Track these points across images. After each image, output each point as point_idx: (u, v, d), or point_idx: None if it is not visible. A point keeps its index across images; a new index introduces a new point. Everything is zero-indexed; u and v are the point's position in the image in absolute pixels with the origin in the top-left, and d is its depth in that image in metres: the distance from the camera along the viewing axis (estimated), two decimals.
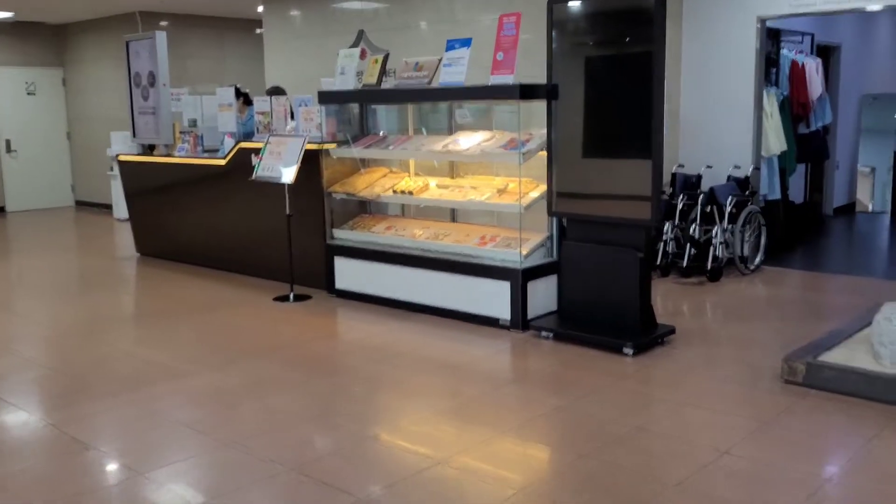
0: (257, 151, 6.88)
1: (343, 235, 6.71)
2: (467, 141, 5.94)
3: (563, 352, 5.15)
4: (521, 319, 5.58)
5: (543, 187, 5.67)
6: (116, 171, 9.81)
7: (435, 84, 5.89)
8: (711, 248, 7.01)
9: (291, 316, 6.24)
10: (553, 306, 5.82)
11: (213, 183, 7.77)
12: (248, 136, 7.63)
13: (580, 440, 3.79)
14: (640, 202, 5.08)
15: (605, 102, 5.19)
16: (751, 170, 7.49)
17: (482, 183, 6.07)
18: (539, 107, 5.58)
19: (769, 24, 7.65)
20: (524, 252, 5.60)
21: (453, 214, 6.55)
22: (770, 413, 4.07)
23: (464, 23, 8.43)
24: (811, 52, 9.11)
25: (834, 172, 10.75)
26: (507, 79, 5.45)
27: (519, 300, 5.57)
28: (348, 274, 6.60)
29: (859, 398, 4.18)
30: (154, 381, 4.76)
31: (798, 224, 9.34)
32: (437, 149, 5.97)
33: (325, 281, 6.80)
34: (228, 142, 7.65)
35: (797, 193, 9.98)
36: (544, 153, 5.59)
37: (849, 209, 11.34)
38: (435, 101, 6.16)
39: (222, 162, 7.54)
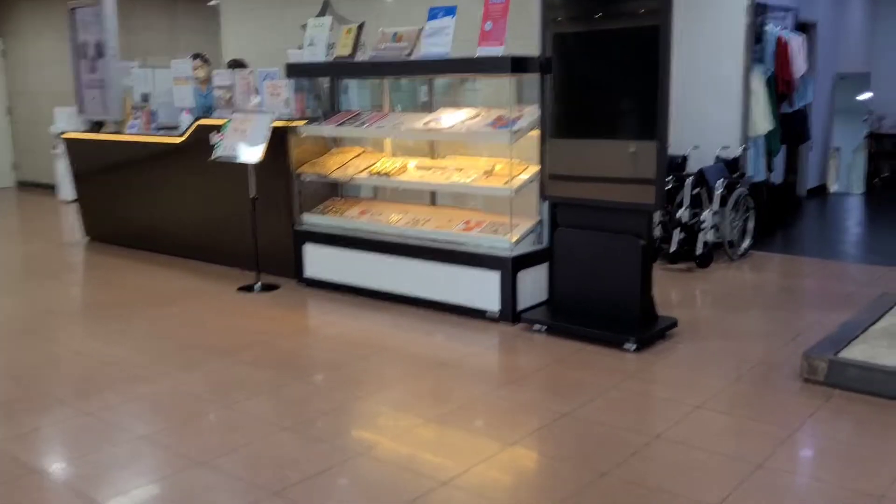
0: (218, 129, 6.33)
1: (313, 220, 6.22)
2: (450, 118, 5.49)
3: (558, 347, 4.76)
4: (510, 311, 5.18)
5: (534, 169, 5.26)
6: (61, 149, 9.13)
7: (416, 56, 5.42)
8: (701, 233, 6.68)
9: (259, 308, 5.74)
10: (543, 296, 5.43)
11: (170, 163, 7.19)
12: (207, 111, 7.07)
13: (596, 454, 3.39)
14: (643, 185, 4.69)
15: (606, 78, 4.77)
16: (740, 150, 7.17)
17: (466, 164, 5.63)
18: (526, 82, 5.16)
19: None
20: (514, 239, 5.18)
21: (433, 198, 6.10)
22: (796, 417, 3.73)
23: None
24: (793, 29, 8.82)
25: (808, 153, 10.54)
26: (496, 50, 5.00)
27: (509, 291, 5.16)
28: (319, 261, 6.12)
29: (885, 398, 3.86)
30: (108, 385, 4.25)
31: (777, 206, 9.09)
32: (417, 127, 5.50)
33: (294, 269, 6.31)
34: (186, 118, 7.07)
35: (776, 175, 9.73)
36: (536, 132, 5.17)
37: (821, 191, 11.17)
38: (416, 74, 5.69)
39: (179, 140, 6.97)
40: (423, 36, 5.36)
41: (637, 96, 4.66)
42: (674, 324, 4.95)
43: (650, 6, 4.53)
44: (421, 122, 5.55)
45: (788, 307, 5.67)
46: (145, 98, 7.67)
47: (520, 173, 5.27)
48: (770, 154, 8.09)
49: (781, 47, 8.18)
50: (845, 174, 11.31)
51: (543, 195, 5.13)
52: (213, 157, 6.15)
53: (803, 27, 9.27)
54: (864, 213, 10.03)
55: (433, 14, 5.33)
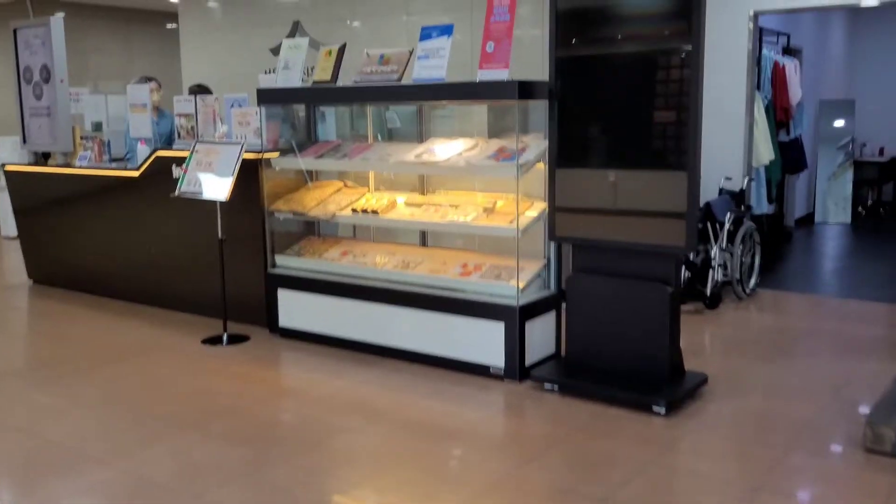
0: (180, 162, 5.67)
1: (288, 263, 5.57)
2: (445, 150, 4.90)
3: (576, 411, 4.17)
4: (517, 367, 4.58)
5: (540, 205, 4.70)
6: (2, 182, 8.33)
7: (407, 80, 4.84)
8: (710, 271, 6.18)
9: (228, 364, 5.06)
10: (551, 349, 4.85)
11: (125, 198, 6.49)
12: (163, 141, 6.41)
13: None
14: (671, 224, 4.16)
15: (627, 103, 4.24)
16: (745, 181, 6.71)
17: (462, 200, 5.04)
18: (526, 109, 4.64)
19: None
20: (521, 285, 4.59)
21: (424, 237, 5.49)
22: (872, 500, 3.18)
23: (420, 15, 7.38)
24: (785, 55, 8.46)
25: (795, 182, 10.18)
26: (499, 74, 4.44)
27: (515, 344, 4.56)
28: (295, 309, 5.47)
29: None
30: (49, 472, 3.54)
31: (770, 239, 8.67)
32: (409, 159, 4.90)
33: (267, 317, 5.64)
34: (142, 149, 6.40)
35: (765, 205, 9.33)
36: (542, 165, 4.63)
37: (808, 220, 10.82)
38: (409, 100, 5.09)
39: (136, 174, 6.28)
40: (415, 58, 4.79)
41: (664, 122, 4.13)
42: (704, 380, 4.40)
43: (677, 27, 4.02)
44: (412, 153, 4.96)
45: (818, 354, 5.15)
46: (97, 127, 6.96)
47: (525, 210, 4.70)
48: (769, 185, 7.67)
49: (779, 73, 7.80)
50: (821, 202, 10.96)
51: (552, 235, 4.56)
52: (175, 193, 5.48)
53: (790, 52, 8.92)
54: (856, 245, 9.66)
55: (426, 34, 4.76)
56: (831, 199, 10.68)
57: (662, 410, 4.07)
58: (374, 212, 5.10)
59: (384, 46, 5.19)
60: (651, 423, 4.01)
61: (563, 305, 4.69)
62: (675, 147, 4.12)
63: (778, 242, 8.89)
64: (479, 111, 5.56)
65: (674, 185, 4.12)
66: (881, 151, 11.75)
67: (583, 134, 4.42)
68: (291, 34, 7.87)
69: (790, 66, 8.06)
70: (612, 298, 4.37)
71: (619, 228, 4.33)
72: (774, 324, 5.97)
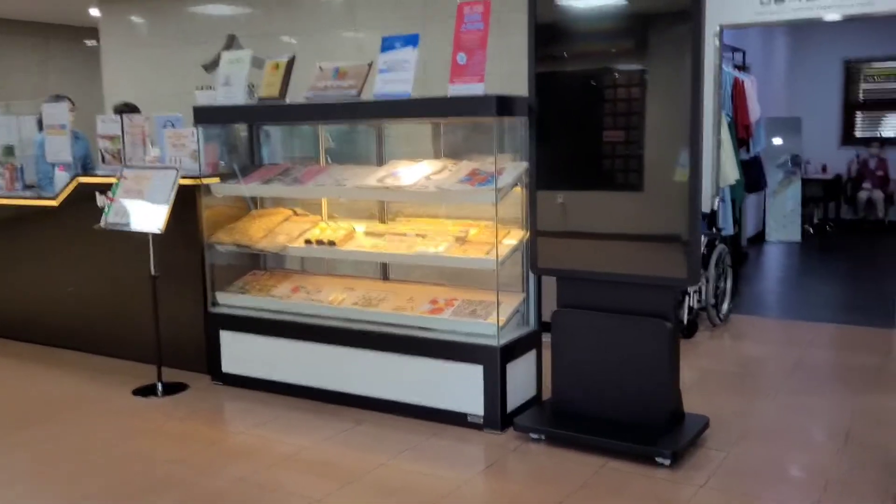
0: (104, 189, 5.03)
1: (231, 301, 4.97)
2: (410, 173, 4.40)
3: (569, 465, 3.70)
4: (498, 415, 4.09)
5: (518, 233, 4.24)
6: None
7: (367, 96, 4.33)
8: (686, 297, 5.82)
9: (165, 421, 4.42)
10: (532, 391, 4.38)
11: (43, 230, 5.78)
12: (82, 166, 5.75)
13: None
14: (670, 252, 3.76)
15: (617, 120, 3.82)
16: (716, 202, 6.40)
17: (430, 229, 4.55)
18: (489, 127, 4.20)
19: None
20: (501, 323, 4.11)
21: (385, 270, 4.96)
22: None
23: (369, 31, 6.89)
24: (741, 70, 8.25)
25: (745, 201, 10.01)
26: (474, 88, 3.97)
27: (496, 389, 4.07)
28: (240, 353, 4.87)
29: None
30: None
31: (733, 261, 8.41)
32: (369, 183, 4.38)
33: (208, 363, 5.02)
34: (61, 175, 5.71)
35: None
36: (518, 189, 4.18)
37: (758, 239, 10.68)
38: (370, 118, 4.57)
39: (54, 202, 5.59)
40: (375, 72, 4.29)
41: (658, 139, 3.72)
42: (706, 424, 3.98)
43: (676, 33, 3.63)
44: (373, 177, 4.44)
45: (813, 388, 4.81)
46: (9, 151, 6.24)
47: (502, 238, 4.24)
48: (734, 205, 7.39)
49: (738, 89, 7.56)
50: (770, 220, 10.83)
51: (534, 267, 4.10)
52: (100, 225, 4.84)
53: (744, 68, 8.74)
54: (814, 264, 9.50)
55: (388, 45, 4.26)
56: (773, 217, 10.56)
57: (667, 462, 3.63)
58: (332, 243, 4.56)
59: (343, 59, 4.67)
60: (656, 477, 3.56)
61: (545, 343, 4.24)
62: (672, 167, 3.71)
63: (738, 264, 8.65)
64: (425, 131, 5.11)
65: (674, 209, 3.71)
66: (824, 169, 11.76)
67: (567, 154, 3.98)
68: (227, 49, 7.26)
69: (748, 82, 7.85)
70: (604, 336, 3.92)
71: (609, 258, 3.89)
72: (757, 353, 5.63)
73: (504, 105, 3.92)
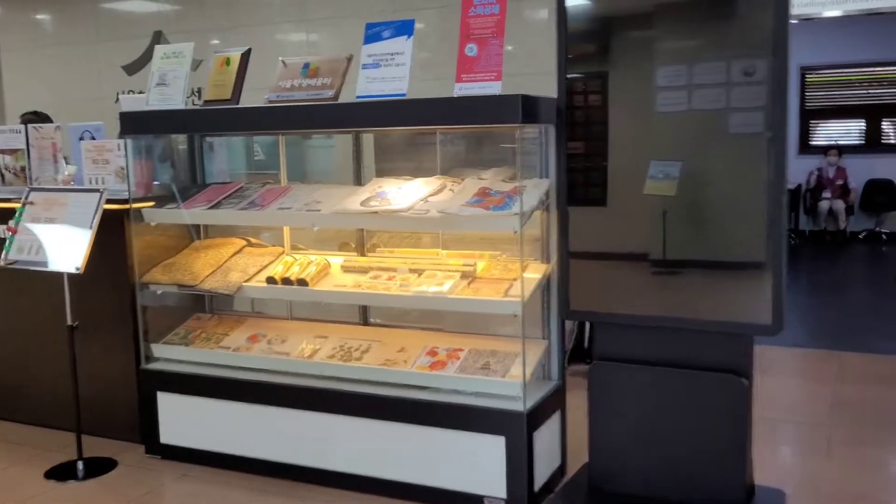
0: (6, 216, 4.00)
1: (170, 354, 3.99)
2: (401, 194, 3.53)
3: None
4: (525, 496, 3.25)
5: (538, 266, 3.43)
6: None
7: (348, 97, 3.45)
8: None
9: None
10: (556, 461, 3.56)
11: None
12: None
13: None
14: (746, 289, 2.99)
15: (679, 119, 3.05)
16: None
17: (425, 262, 3.68)
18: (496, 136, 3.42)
19: None
20: (526, 379, 3.27)
21: (364, 312, 4.06)
22: None
23: (323, 31, 5.97)
24: None
25: None
26: (487, 87, 3.14)
27: (523, 465, 3.23)
28: (183, 420, 3.90)
29: None
30: None
31: None
32: (353, 208, 3.48)
33: (142, 432, 4.03)
34: None
35: None
36: (539, 212, 3.38)
37: None
38: (354, 126, 3.66)
39: None
40: (357, 68, 3.41)
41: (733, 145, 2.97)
42: (782, 499, 3.23)
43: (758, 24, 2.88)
44: (354, 200, 3.55)
45: (868, 436, 4.12)
46: None
47: (518, 273, 3.42)
48: None
49: None
50: None
51: (566, 310, 3.28)
52: (0, 263, 3.82)
53: None
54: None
55: (374, 33, 3.39)
56: None
57: None
58: (302, 282, 3.64)
59: (273, 70, 3.75)
60: None
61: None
62: (748, 186, 2.95)
63: None
64: (413, 141, 4.26)
65: (751, 234, 2.95)
66: None
67: (607, 167, 3.18)
68: (151, 49, 6.25)
69: None
70: (658, 397, 3.13)
71: (664, 298, 3.11)
72: (770, 388, 4.93)
73: (530, 108, 3.10)
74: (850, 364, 5.35)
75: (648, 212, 3.06)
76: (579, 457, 3.44)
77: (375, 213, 3.41)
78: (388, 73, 3.32)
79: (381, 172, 3.94)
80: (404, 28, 3.34)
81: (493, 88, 3.13)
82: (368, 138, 4.03)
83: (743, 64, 2.90)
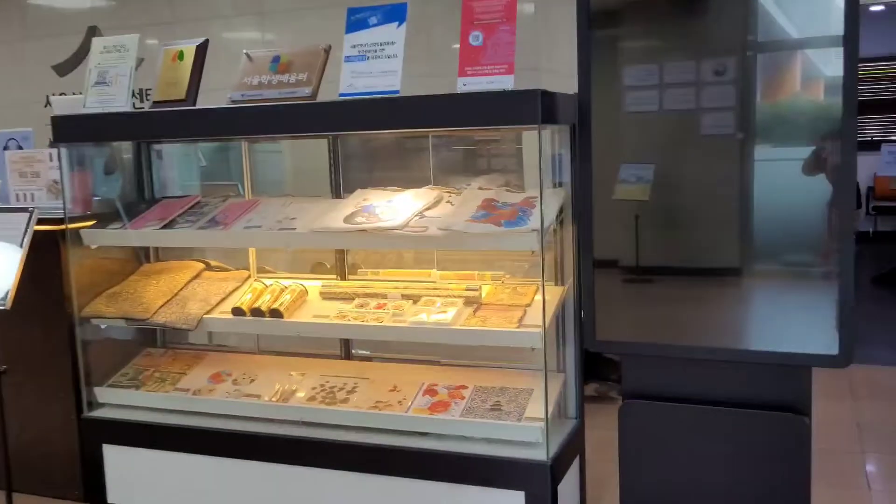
0: None
1: (118, 398, 3.41)
2: (391, 208, 3.02)
3: None
4: None
5: (554, 291, 2.97)
6: None
7: (329, 96, 2.93)
8: None
9: None
10: None
11: None
12: None
13: None
14: (807, 309, 2.58)
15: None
16: None
17: (419, 286, 3.18)
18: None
19: None
20: (543, 424, 2.80)
21: (346, 344, 3.52)
22: None
23: (278, 20, 5.41)
24: None
25: None
26: (498, 81, 2.66)
27: None
28: (134, 476, 3.32)
29: None
30: None
31: None
32: (336, 225, 2.96)
33: (84, 490, 3.44)
34: None
35: None
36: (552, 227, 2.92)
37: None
38: (338, 129, 3.12)
39: None
40: (339, 62, 2.90)
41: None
42: None
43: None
44: (336, 215, 3.02)
45: None
46: None
47: (531, 298, 2.96)
48: None
49: None
50: None
51: (591, 340, 2.81)
52: None
53: None
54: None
55: (358, 20, 2.88)
56: None
57: None
58: (276, 312, 3.10)
59: (228, 72, 3.21)
60: None
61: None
62: (813, 191, 2.54)
63: None
64: (396, 145, 3.77)
65: (816, 246, 2.55)
66: None
67: (642, 175, 2.74)
68: (85, 46, 5.62)
69: None
70: (701, 441, 2.69)
71: (708, 326, 2.68)
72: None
73: (550, 106, 2.63)
74: (858, 378, 5.02)
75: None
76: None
77: (364, 231, 2.89)
78: (378, 66, 2.82)
79: (359, 183, 3.43)
80: (395, 13, 2.84)
81: (504, 83, 2.65)
82: (345, 144, 3.51)
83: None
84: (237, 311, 3.16)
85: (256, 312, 3.13)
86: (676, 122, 2.66)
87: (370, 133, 3.30)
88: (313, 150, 3.59)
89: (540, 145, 2.64)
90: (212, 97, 3.18)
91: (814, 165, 2.51)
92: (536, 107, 2.56)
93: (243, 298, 3.23)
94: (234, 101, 3.04)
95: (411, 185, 3.21)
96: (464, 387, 3.06)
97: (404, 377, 3.19)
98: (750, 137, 2.62)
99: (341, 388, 3.18)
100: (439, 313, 2.94)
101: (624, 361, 2.83)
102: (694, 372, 2.69)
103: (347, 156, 3.42)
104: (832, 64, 2.43)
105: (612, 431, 2.74)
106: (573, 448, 3.01)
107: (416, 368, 3.27)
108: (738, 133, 2.62)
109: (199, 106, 3.14)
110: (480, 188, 3.10)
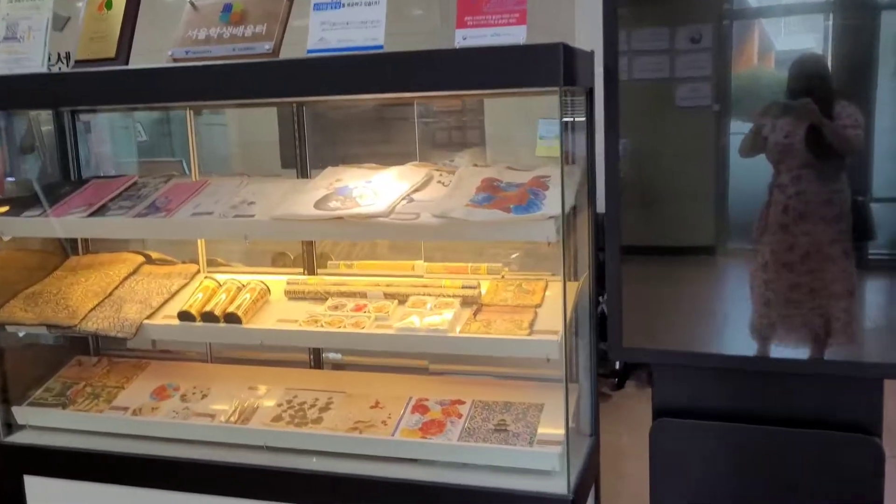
0: None
1: (41, 419, 2.85)
2: (371, 189, 2.50)
3: None
4: None
5: (572, 286, 2.49)
6: None
7: (292, 53, 2.39)
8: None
9: None
10: None
11: None
12: None
13: None
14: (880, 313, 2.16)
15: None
16: None
17: (403, 282, 2.68)
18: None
19: None
20: (559, 444, 2.34)
21: (315, 351, 3.00)
22: None
23: None
24: None
25: None
26: (507, 33, 2.16)
27: None
28: None
29: None
30: None
31: None
32: (308, 212, 2.43)
33: None
34: None
35: None
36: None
37: None
38: (311, 94, 2.56)
39: None
40: (307, 13, 2.36)
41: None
42: None
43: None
44: (307, 199, 2.49)
45: None
46: None
47: (540, 299, 2.48)
48: None
49: None
50: None
51: (617, 348, 2.35)
52: None
53: None
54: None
55: None
56: None
57: None
58: (232, 317, 2.57)
59: (168, 30, 2.64)
60: None
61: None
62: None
63: None
64: (369, 114, 3.24)
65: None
66: None
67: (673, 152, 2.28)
68: None
69: None
70: (752, 466, 2.27)
71: (766, 332, 2.24)
72: None
73: (571, 64, 2.14)
74: None
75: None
76: None
77: (340, 218, 2.37)
78: (355, 14, 2.29)
79: (329, 160, 2.89)
80: None
81: (514, 35, 2.15)
82: (311, 112, 2.97)
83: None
84: (185, 316, 2.61)
85: (209, 317, 2.59)
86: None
87: (343, 99, 2.75)
88: (268, 120, 3.04)
89: (561, 113, 2.13)
90: (151, 60, 2.61)
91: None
92: (558, 65, 2.06)
93: (193, 299, 2.69)
94: (175, 59, 2.48)
95: (392, 161, 2.69)
96: (460, 401, 2.57)
97: (387, 390, 2.69)
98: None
99: (312, 405, 2.67)
100: (432, 316, 2.44)
101: (655, 373, 2.37)
102: (744, 384, 2.25)
103: (314, 127, 2.88)
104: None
105: (611, 435, 2.32)
106: (591, 473, 2.56)
107: (401, 378, 2.77)
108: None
109: (132, 66, 2.56)
110: (476, 165, 2.60)
